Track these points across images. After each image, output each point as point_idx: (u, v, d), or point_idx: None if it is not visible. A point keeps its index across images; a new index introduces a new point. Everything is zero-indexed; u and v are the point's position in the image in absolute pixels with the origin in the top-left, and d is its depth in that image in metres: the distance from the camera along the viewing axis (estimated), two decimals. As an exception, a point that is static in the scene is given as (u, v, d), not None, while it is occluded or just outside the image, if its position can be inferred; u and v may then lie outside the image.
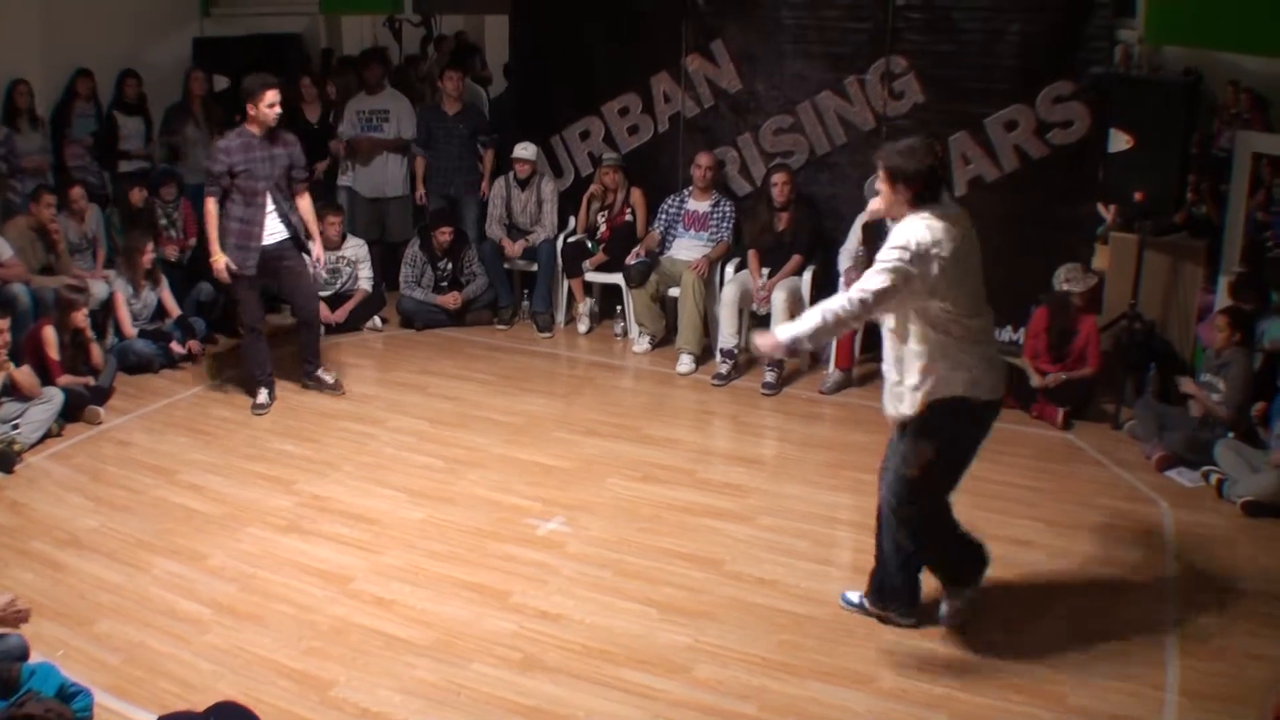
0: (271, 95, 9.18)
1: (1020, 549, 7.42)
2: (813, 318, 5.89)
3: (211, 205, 9.26)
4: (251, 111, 9.21)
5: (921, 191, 5.86)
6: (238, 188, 9.21)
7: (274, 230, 9.47)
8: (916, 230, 5.77)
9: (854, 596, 6.69)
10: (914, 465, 6.05)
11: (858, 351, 10.30)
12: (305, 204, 9.78)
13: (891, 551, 6.36)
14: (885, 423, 6.33)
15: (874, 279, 5.73)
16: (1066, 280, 9.49)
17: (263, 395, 9.72)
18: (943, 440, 6.02)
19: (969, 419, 6.05)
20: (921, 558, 6.41)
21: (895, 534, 6.29)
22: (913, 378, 5.93)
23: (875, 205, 6.10)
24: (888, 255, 5.75)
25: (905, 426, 6.07)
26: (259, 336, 9.74)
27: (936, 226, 5.79)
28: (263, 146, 9.28)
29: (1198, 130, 12.52)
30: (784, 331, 6.04)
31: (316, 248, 9.92)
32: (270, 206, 9.38)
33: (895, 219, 6.01)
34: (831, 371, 10.31)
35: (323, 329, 10.67)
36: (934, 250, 5.71)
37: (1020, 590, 6.92)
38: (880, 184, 6.01)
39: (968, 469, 6.29)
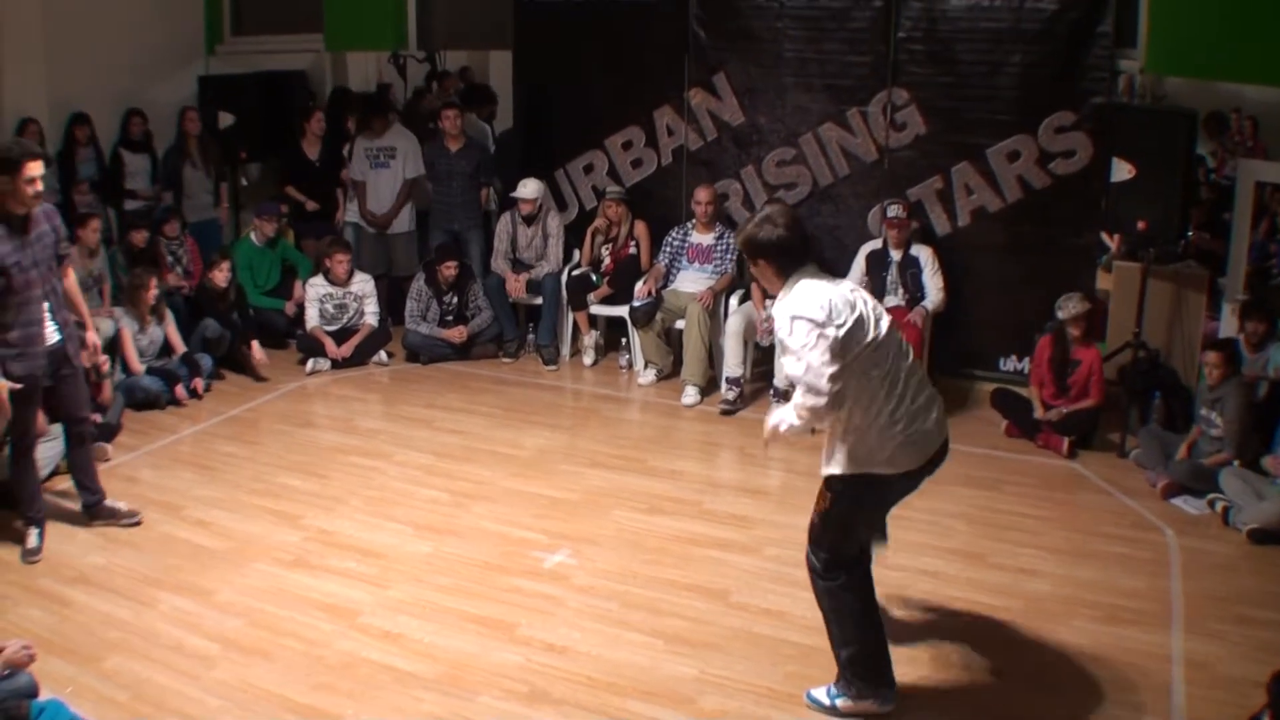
0: (33, 168, 7.10)
1: (1026, 577, 7.42)
2: (789, 416, 5.68)
3: None
4: (6, 188, 7.04)
5: (784, 260, 5.70)
6: (9, 289, 7.21)
7: (51, 332, 7.67)
8: (803, 298, 5.58)
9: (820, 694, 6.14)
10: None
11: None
12: (71, 282, 8.05)
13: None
14: None
15: (809, 381, 5.46)
16: (1060, 308, 9.52)
17: (33, 538, 7.78)
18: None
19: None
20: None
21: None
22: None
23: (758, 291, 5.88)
24: (798, 338, 5.49)
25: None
26: (31, 459, 7.94)
27: (818, 286, 5.63)
28: (23, 232, 7.26)
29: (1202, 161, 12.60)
30: (775, 418, 5.80)
31: (90, 335, 8.21)
32: (46, 302, 7.56)
33: (773, 294, 5.86)
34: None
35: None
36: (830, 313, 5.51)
37: (1026, 618, 6.90)
38: (751, 265, 5.90)
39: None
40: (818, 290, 5.57)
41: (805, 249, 5.75)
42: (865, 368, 5.56)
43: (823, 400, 5.41)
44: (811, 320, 5.44)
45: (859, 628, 5.91)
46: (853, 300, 5.62)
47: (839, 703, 5.98)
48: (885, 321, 5.72)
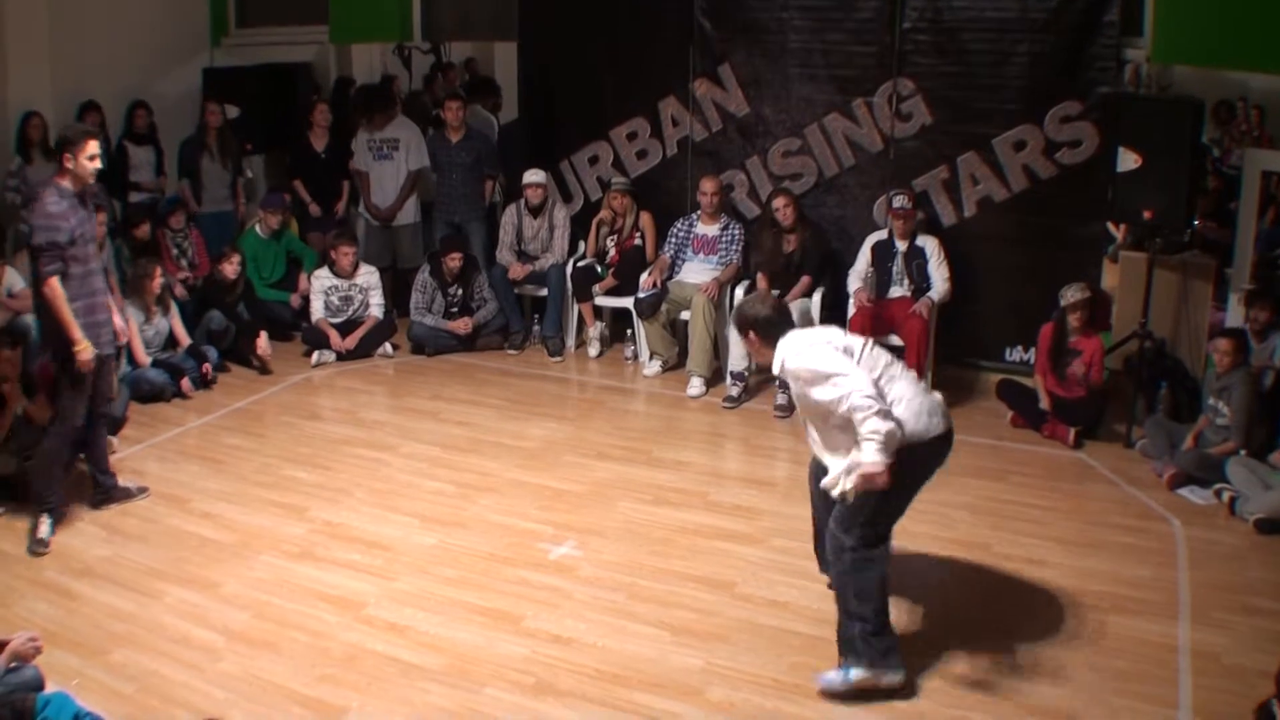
0: (93, 146, 7.69)
1: (1033, 568, 7.42)
2: (874, 458, 5.82)
3: (59, 286, 7.56)
4: (69, 165, 7.59)
5: (772, 333, 6.26)
6: (74, 258, 7.61)
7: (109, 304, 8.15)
8: (807, 353, 6.10)
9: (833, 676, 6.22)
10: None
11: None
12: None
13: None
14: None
15: (859, 402, 5.81)
16: (1061, 296, 9.53)
17: (45, 527, 7.83)
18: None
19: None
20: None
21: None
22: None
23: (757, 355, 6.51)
24: (831, 389, 5.90)
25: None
26: (69, 442, 8.15)
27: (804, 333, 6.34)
28: (82, 206, 7.77)
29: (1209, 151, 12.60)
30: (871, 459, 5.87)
31: (118, 319, 8.35)
32: (101, 275, 8.03)
33: (766, 362, 6.37)
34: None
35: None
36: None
37: (1033, 609, 6.91)
38: (744, 343, 6.48)
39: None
40: (808, 334, 6.34)
41: (789, 324, 6.36)
42: (877, 367, 6.11)
43: (879, 406, 5.77)
44: (827, 345, 6.07)
45: (881, 598, 6.11)
46: (834, 333, 6.34)
47: (853, 675, 6.06)
48: (864, 340, 6.34)
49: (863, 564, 6.07)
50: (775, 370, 6.21)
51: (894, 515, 6.21)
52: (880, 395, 5.86)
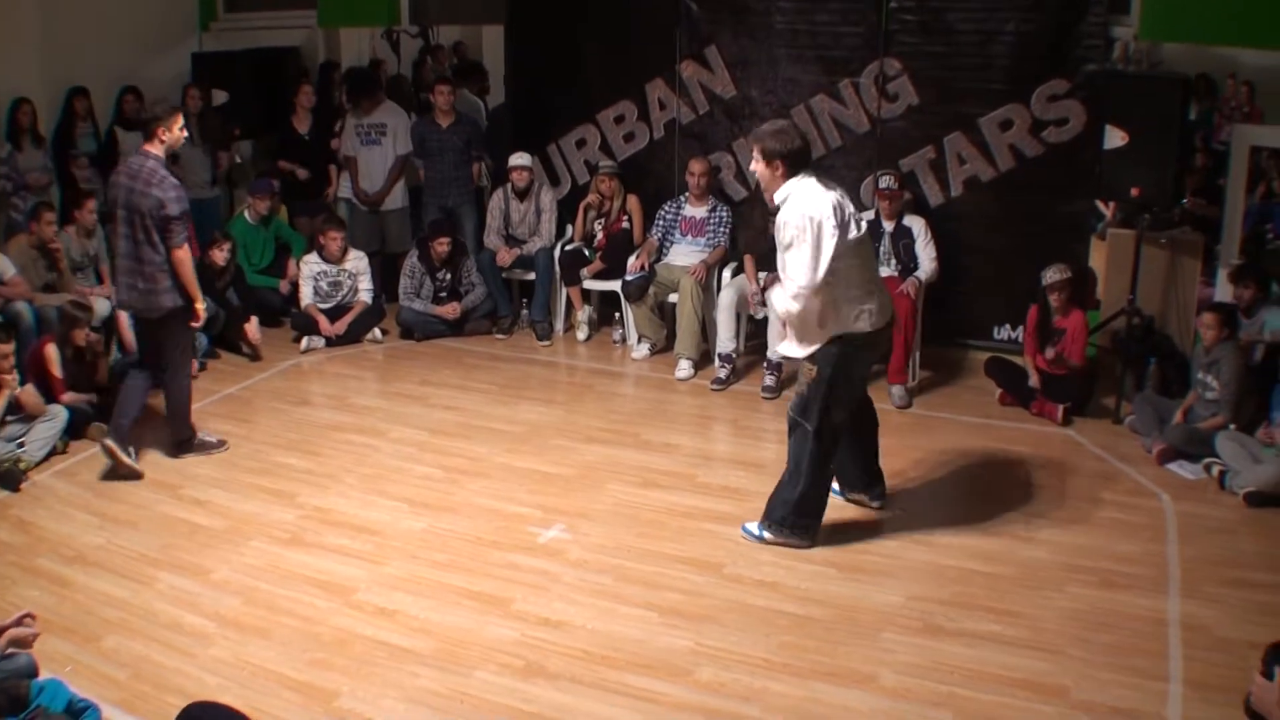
0: (180, 118, 8.57)
1: (1022, 544, 7.45)
2: (789, 303, 6.93)
3: (187, 250, 8.52)
4: (167, 137, 8.44)
5: (795, 166, 6.91)
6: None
7: None
8: (815, 200, 6.83)
9: (753, 527, 7.54)
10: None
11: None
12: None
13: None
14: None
15: (795, 281, 6.83)
16: (1043, 277, 9.57)
17: (206, 450, 9.08)
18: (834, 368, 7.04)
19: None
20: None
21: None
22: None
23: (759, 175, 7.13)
24: (811, 235, 6.75)
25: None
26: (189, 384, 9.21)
27: (821, 190, 6.89)
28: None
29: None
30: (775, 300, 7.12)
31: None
32: None
33: (771, 192, 7.04)
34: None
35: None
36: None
37: (1023, 585, 6.93)
38: (758, 163, 7.06)
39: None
40: (823, 193, 6.84)
41: (810, 158, 7.09)
42: (848, 257, 6.83)
43: (807, 291, 6.75)
44: (827, 220, 6.72)
45: (820, 473, 7.24)
46: (844, 204, 6.93)
47: (766, 535, 7.42)
48: (863, 222, 7.17)
49: (816, 451, 7.13)
50: (776, 201, 6.90)
51: (845, 404, 7.18)
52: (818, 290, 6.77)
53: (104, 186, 11.88)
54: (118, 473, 8.54)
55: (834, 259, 6.72)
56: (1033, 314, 9.76)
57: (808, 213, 6.74)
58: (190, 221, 8.68)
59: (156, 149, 8.40)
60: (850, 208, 7.00)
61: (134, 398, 8.77)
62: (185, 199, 8.43)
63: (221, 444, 9.14)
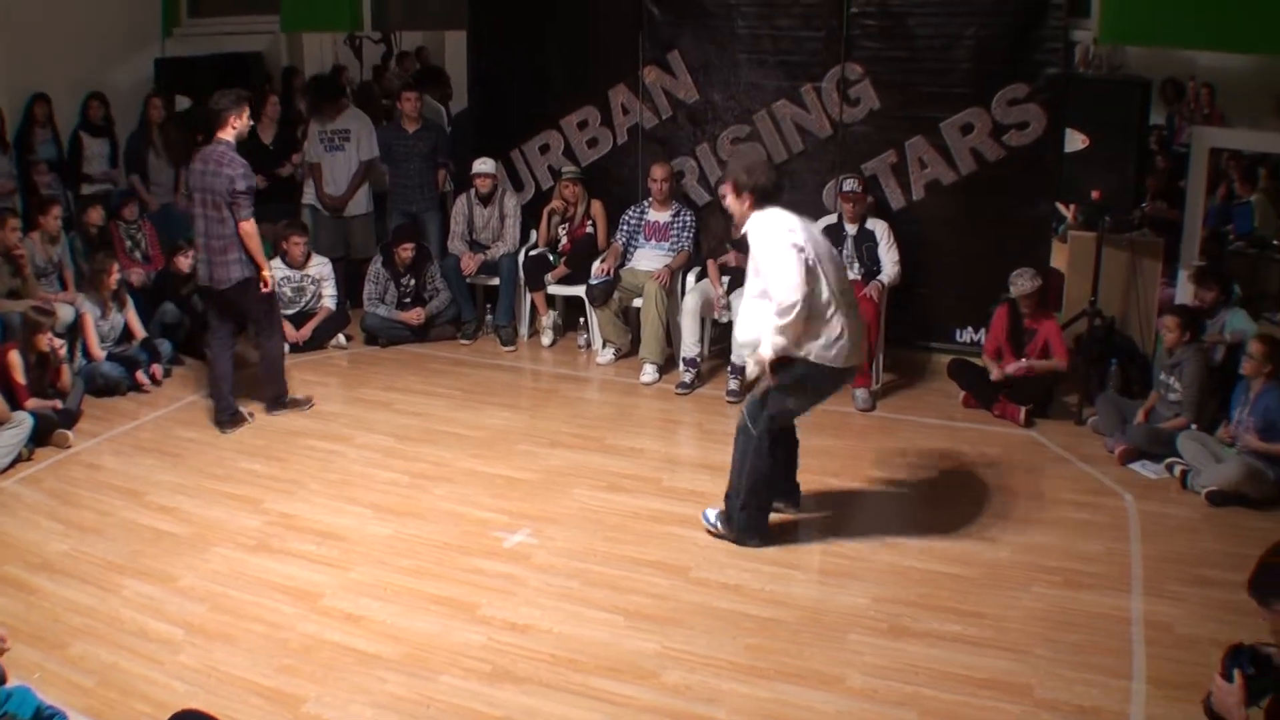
0: (248, 109, 9.41)
1: (986, 545, 7.49)
2: (772, 341, 6.97)
3: (255, 225, 9.33)
4: (238, 125, 9.29)
5: (761, 200, 7.11)
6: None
7: None
8: (780, 225, 7.02)
9: (712, 515, 7.74)
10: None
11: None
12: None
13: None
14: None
15: (781, 303, 6.82)
16: (1012, 284, 9.60)
17: (297, 409, 10.13)
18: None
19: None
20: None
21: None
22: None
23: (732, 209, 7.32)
24: (780, 256, 6.88)
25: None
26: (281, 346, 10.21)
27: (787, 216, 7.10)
28: None
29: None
30: (765, 350, 7.04)
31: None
32: None
33: (740, 223, 7.26)
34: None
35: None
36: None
37: (986, 586, 6.97)
38: (728, 195, 7.28)
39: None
40: (788, 219, 7.04)
41: (779, 194, 7.23)
42: (820, 284, 6.92)
43: (796, 309, 6.74)
44: (794, 244, 6.82)
45: (758, 483, 7.38)
46: (812, 231, 7.21)
47: (722, 530, 7.59)
48: (834, 251, 7.41)
49: (760, 452, 7.30)
50: (744, 230, 7.10)
51: (793, 415, 7.44)
52: (804, 307, 6.80)
53: (65, 193, 11.89)
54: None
55: (807, 279, 6.82)
56: (1000, 317, 9.81)
57: (775, 233, 6.93)
58: (251, 199, 9.31)
59: (229, 135, 9.23)
60: (819, 236, 7.28)
61: (222, 365, 9.67)
62: (252, 176, 9.32)
63: (309, 402, 10.17)
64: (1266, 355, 8.21)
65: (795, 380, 7.08)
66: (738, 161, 7.34)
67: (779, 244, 6.85)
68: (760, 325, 7.04)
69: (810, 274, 6.81)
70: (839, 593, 6.92)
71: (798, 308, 6.74)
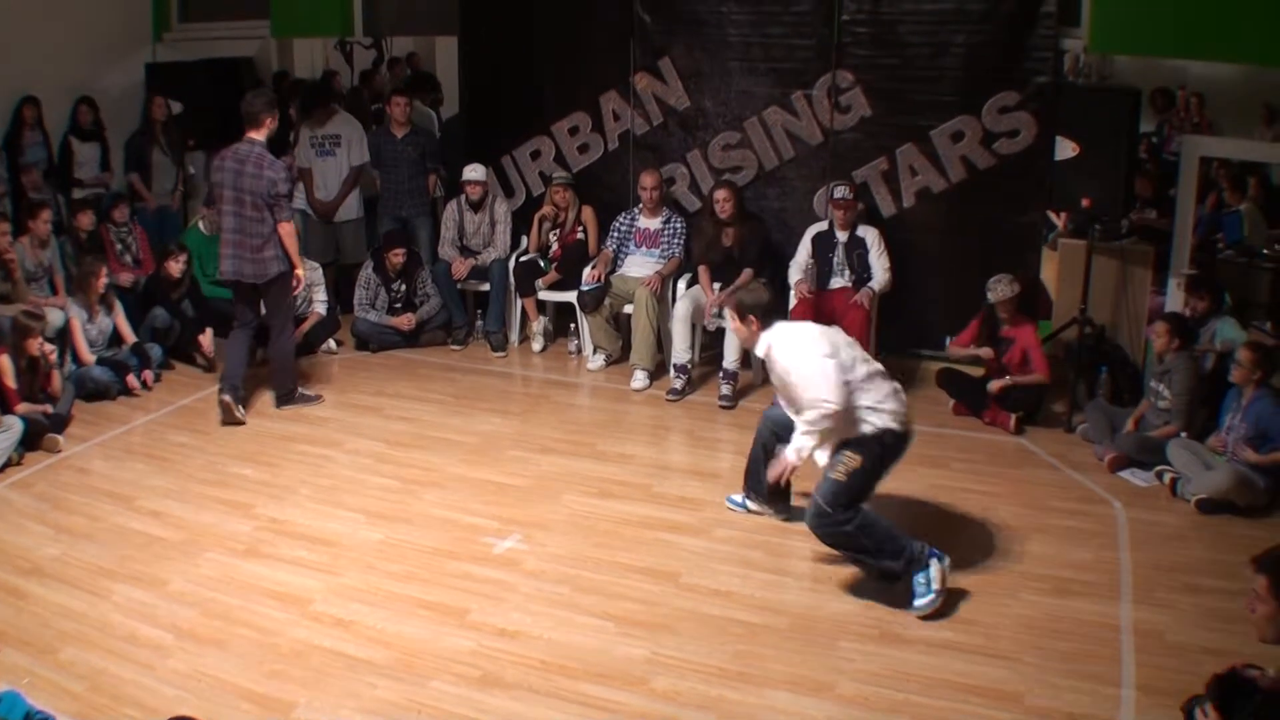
0: (278, 111, 9.88)
1: (976, 553, 7.49)
2: (803, 444, 6.92)
3: (293, 225, 9.81)
4: (271, 125, 9.68)
5: (766, 320, 7.13)
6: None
7: None
8: (801, 339, 7.04)
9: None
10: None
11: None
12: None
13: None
14: None
15: (815, 406, 6.74)
16: (990, 290, 9.63)
17: (304, 402, 10.37)
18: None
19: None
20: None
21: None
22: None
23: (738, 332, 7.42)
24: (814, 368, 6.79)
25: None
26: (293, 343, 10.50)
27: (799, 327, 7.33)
28: None
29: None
30: (790, 453, 7.02)
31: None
32: None
33: (750, 347, 7.31)
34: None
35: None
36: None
37: (977, 593, 6.97)
38: (733, 322, 7.33)
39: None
40: (804, 329, 7.21)
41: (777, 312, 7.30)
42: (855, 368, 6.88)
43: (833, 408, 6.65)
44: (822, 353, 6.78)
45: (879, 532, 6.86)
46: (823, 330, 7.17)
47: (920, 594, 6.78)
48: (849, 338, 7.29)
49: (862, 525, 6.79)
50: (760, 354, 7.05)
51: (867, 494, 6.93)
52: (841, 400, 6.69)
53: (55, 198, 11.87)
54: (227, 418, 9.80)
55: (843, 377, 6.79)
56: (974, 324, 9.90)
57: (797, 343, 6.97)
58: (291, 200, 9.90)
59: (261, 135, 9.58)
60: (835, 336, 7.16)
61: (240, 353, 10.00)
62: (291, 178, 10.01)
63: (319, 398, 10.41)
64: (1255, 362, 8.23)
65: (878, 458, 6.89)
66: (739, 296, 7.45)
67: (809, 354, 6.82)
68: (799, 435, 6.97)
69: (843, 369, 6.78)
70: (830, 599, 6.94)
71: (835, 409, 6.67)
